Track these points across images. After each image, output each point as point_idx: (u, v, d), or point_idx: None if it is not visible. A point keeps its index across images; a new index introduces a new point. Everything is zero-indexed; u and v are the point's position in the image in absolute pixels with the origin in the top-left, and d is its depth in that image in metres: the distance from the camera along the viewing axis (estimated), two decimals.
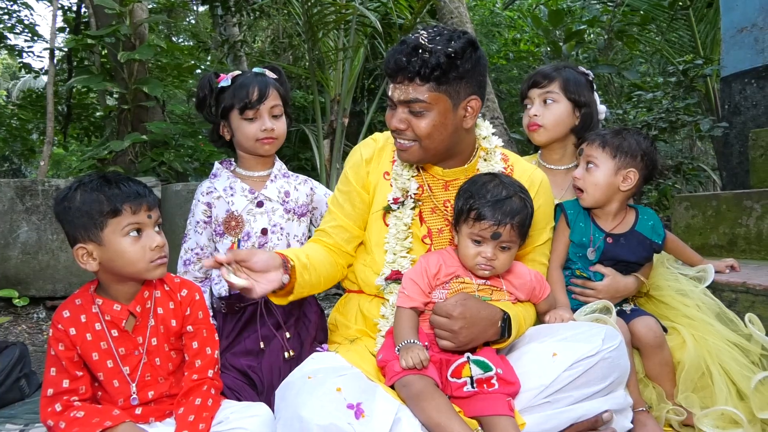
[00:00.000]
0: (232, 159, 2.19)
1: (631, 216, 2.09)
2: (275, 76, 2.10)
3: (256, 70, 2.11)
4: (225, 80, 2.05)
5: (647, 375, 1.98)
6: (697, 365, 1.92)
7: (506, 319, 1.66)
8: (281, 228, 2.06)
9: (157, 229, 1.62)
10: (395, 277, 1.78)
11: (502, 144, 1.93)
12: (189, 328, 1.70)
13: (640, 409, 1.84)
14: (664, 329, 2.01)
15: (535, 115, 2.27)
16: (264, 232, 2.04)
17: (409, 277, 1.72)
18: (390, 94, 1.73)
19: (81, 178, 1.60)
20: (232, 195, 2.05)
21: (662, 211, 4.73)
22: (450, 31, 1.69)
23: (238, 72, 2.10)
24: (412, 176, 1.84)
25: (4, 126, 7.79)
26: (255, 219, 2.05)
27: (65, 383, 1.58)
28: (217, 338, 1.77)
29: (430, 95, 1.66)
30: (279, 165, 2.16)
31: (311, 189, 2.17)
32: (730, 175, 3.96)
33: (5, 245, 3.74)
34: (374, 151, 1.93)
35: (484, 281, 1.72)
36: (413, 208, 1.83)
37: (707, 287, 2.16)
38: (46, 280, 3.77)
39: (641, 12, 5.95)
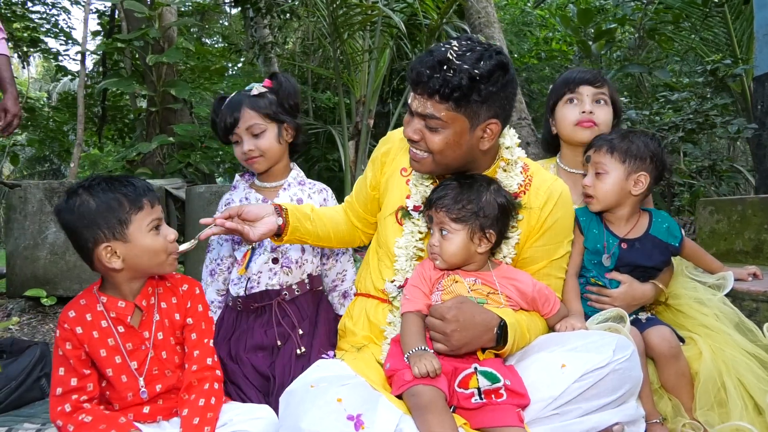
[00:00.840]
0: None
1: (644, 220, 2.04)
2: (261, 90, 2.09)
3: (247, 88, 2.14)
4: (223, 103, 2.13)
5: (662, 386, 1.92)
6: (713, 378, 1.86)
7: (502, 326, 1.63)
8: None
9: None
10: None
11: (525, 155, 1.87)
12: (189, 320, 1.75)
13: (654, 420, 1.80)
14: (681, 339, 1.95)
15: (591, 112, 2.20)
16: None
17: (410, 284, 1.73)
18: (410, 101, 1.68)
19: (79, 185, 1.62)
20: None
21: (695, 213, 4.61)
22: (483, 48, 1.61)
23: (233, 93, 2.15)
24: (432, 184, 1.82)
25: (41, 127, 8.00)
26: None
27: (73, 381, 1.62)
28: (214, 329, 1.83)
29: (447, 114, 1.61)
30: (295, 173, 2.20)
31: (324, 199, 2.21)
32: (762, 177, 3.83)
33: (34, 246, 3.83)
34: (393, 144, 1.94)
35: (474, 279, 1.71)
36: None
37: (727, 295, 2.09)
38: (73, 280, 3.83)
39: (674, 9, 5.80)
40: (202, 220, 1.82)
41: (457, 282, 1.70)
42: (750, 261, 2.64)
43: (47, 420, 2.21)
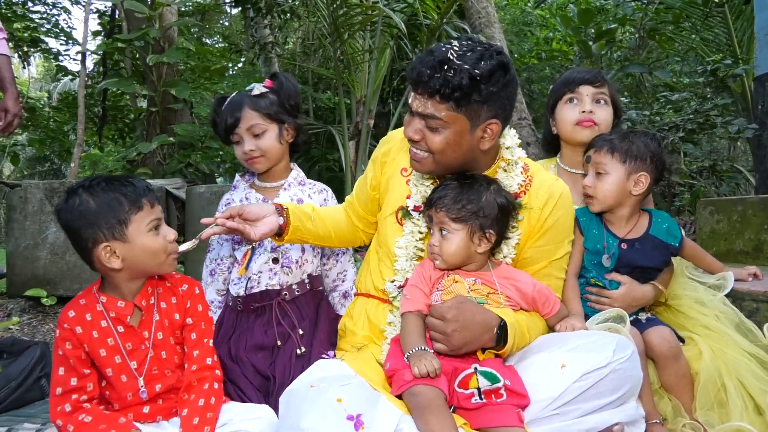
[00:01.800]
0: None
1: (644, 220, 2.03)
2: (262, 91, 2.09)
3: (248, 87, 2.14)
4: (224, 103, 2.12)
5: (663, 386, 1.92)
6: (713, 378, 1.86)
7: (502, 326, 1.63)
8: None
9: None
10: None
11: (526, 155, 1.87)
12: (188, 320, 1.75)
13: (654, 421, 1.80)
14: (681, 340, 1.95)
15: (591, 112, 2.20)
16: None
17: (410, 284, 1.73)
18: (410, 101, 1.68)
19: (79, 185, 1.63)
20: None
21: (695, 214, 4.61)
22: (484, 48, 1.61)
23: (234, 93, 2.14)
24: (432, 184, 1.82)
25: (41, 127, 8.00)
26: None
27: (73, 381, 1.62)
28: (213, 329, 1.84)
29: (448, 114, 1.60)
30: (295, 173, 2.20)
31: (324, 199, 2.21)
32: (763, 177, 3.83)
33: (34, 246, 3.82)
34: (393, 144, 1.93)
35: (474, 279, 1.70)
36: None
37: (727, 296, 2.09)
38: (73, 280, 3.83)
39: (675, 10, 5.80)
40: (203, 220, 1.82)
41: (456, 282, 1.70)
42: (750, 261, 2.64)
43: (47, 420, 2.21)
